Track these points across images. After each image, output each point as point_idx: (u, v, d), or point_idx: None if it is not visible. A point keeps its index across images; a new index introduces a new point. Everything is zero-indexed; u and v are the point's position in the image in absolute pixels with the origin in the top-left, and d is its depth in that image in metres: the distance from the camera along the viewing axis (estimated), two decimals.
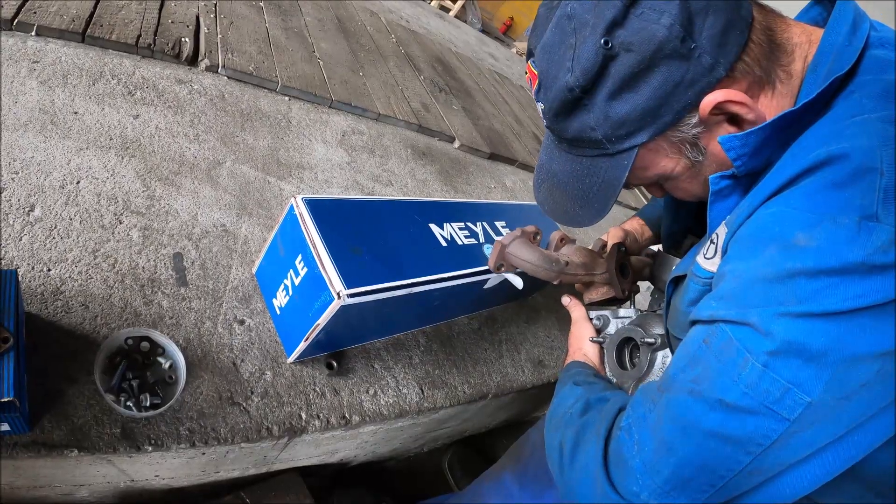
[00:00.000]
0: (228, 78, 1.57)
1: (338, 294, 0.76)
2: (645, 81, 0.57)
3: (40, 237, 0.91)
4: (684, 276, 0.70)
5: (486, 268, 1.03)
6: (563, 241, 0.98)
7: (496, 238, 1.06)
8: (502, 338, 1.40)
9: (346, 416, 0.99)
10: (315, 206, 0.84)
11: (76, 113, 1.17)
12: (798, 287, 0.48)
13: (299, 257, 0.83)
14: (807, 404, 0.48)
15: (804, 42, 0.60)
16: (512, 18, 6.57)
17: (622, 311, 0.91)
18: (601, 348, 0.89)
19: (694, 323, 0.58)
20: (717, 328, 0.52)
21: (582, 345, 0.91)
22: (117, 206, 1.04)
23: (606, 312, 0.92)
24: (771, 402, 0.48)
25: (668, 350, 0.81)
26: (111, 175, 1.09)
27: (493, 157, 2.20)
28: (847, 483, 0.57)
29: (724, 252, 0.58)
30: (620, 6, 0.54)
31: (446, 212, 1.09)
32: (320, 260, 0.78)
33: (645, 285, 1.10)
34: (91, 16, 1.46)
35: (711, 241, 0.63)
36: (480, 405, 1.29)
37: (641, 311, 0.91)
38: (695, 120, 0.59)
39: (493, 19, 6.61)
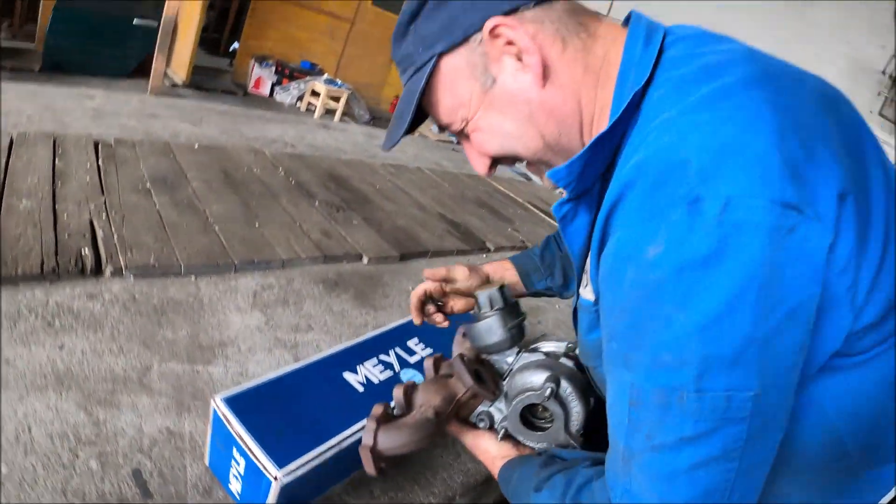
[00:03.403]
0: (135, 277, 1.77)
1: (275, 478, 0.96)
2: (448, 4, 0.73)
3: (13, 493, 1.06)
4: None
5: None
6: (438, 363, 0.98)
7: (362, 442, 0.88)
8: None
9: None
10: (234, 403, 1.05)
11: (8, 362, 1.34)
12: (670, 293, 0.53)
13: (234, 450, 1.03)
14: (754, 397, 0.52)
15: (608, 35, 0.73)
16: (397, 96, 7.03)
17: (495, 403, 0.92)
18: (510, 437, 0.92)
19: (610, 368, 0.64)
20: (635, 388, 0.58)
21: (498, 451, 0.92)
22: (70, 442, 1.20)
23: (483, 409, 0.93)
24: (721, 414, 0.53)
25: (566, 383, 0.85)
26: (56, 413, 1.26)
27: (404, 257, 2.45)
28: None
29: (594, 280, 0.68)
30: None
31: (357, 354, 1.31)
32: (251, 451, 0.99)
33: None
34: None
35: (584, 271, 0.77)
36: None
37: (503, 389, 0.92)
38: (479, 40, 0.72)
39: (380, 103, 7.06)
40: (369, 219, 2.67)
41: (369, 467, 0.85)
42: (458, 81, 0.76)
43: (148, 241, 1.92)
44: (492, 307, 0.95)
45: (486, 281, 1.16)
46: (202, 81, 4.90)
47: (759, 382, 0.52)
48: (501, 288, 0.97)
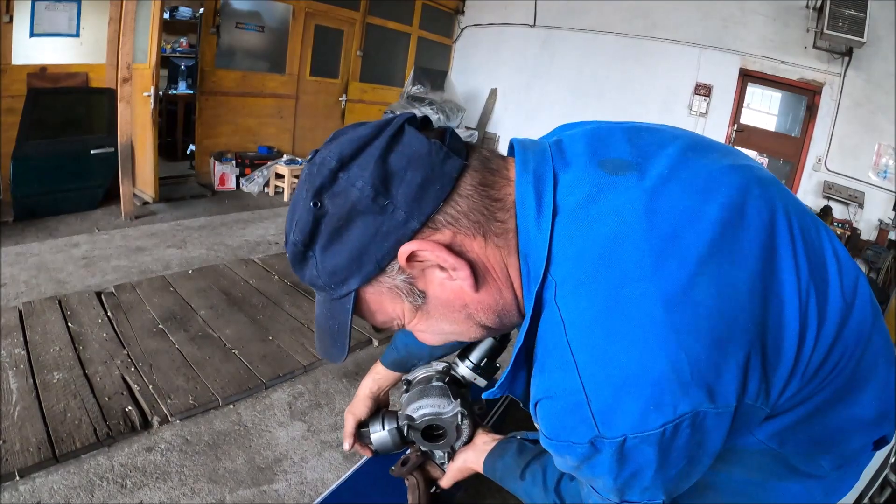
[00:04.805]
0: (181, 420, 2.00)
1: None
2: (347, 234, 0.66)
3: None
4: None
5: None
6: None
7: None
8: None
9: None
10: None
11: None
12: (588, 475, 0.70)
13: None
14: (663, 501, 0.69)
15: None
16: None
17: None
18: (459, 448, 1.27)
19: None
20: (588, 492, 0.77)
21: (464, 460, 1.24)
22: None
23: (438, 455, 1.32)
24: None
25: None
26: None
27: None
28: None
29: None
30: (328, 172, 0.66)
31: None
32: None
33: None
34: (49, 435, 1.85)
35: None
36: None
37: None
38: (397, 268, 0.68)
39: None
40: None
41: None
42: (384, 304, 0.74)
43: (181, 383, 2.16)
44: (369, 434, 1.32)
45: (377, 395, 1.44)
46: (170, 192, 5.13)
47: (666, 495, 0.69)
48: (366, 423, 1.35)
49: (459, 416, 1.18)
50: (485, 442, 1.22)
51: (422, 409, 1.19)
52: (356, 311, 0.74)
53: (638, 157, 0.72)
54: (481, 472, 1.20)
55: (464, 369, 1.21)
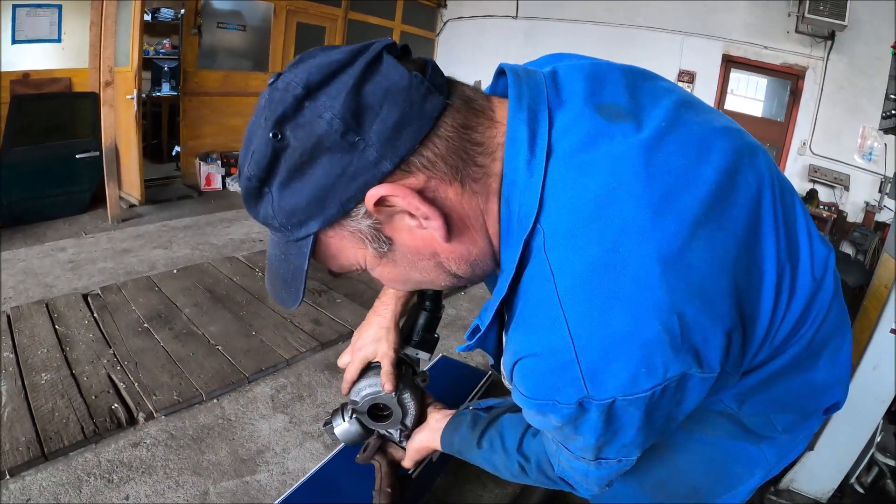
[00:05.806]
0: (166, 416, 2.06)
1: None
2: (310, 172, 0.60)
3: None
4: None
5: None
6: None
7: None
8: None
9: None
10: None
11: None
12: (570, 433, 0.70)
13: None
14: (636, 458, 0.74)
15: (503, 139, 0.67)
16: None
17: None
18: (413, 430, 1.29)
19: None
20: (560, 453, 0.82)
21: (420, 441, 1.26)
22: None
23: (391, 435, 1.36)
24: (616, 465, 0.75)
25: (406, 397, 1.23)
26: None
27: None
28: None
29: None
30: (292, 100, 0.59)
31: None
32: None
33: None
34: (37, 434, 1.91)
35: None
36: None
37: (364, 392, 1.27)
38: (363, 212, 0.63)
39: None
40: (350, 293, 2.99)
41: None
42: (345, 250, 0.69)
43: (165, 379, 2.23)
44: (333, 430, 1.35)
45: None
46: (157, 194, 5.19)
47: (641, 450, 0.73)
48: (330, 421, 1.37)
49: (390, 400, 1.24)
50: (437, 420, 1.25)
51: (362, 390, 1.25)
52: (313, 254, 0.69)
53: (634, 106, 0.70)
54: (440, 449, 1.24)
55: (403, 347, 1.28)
